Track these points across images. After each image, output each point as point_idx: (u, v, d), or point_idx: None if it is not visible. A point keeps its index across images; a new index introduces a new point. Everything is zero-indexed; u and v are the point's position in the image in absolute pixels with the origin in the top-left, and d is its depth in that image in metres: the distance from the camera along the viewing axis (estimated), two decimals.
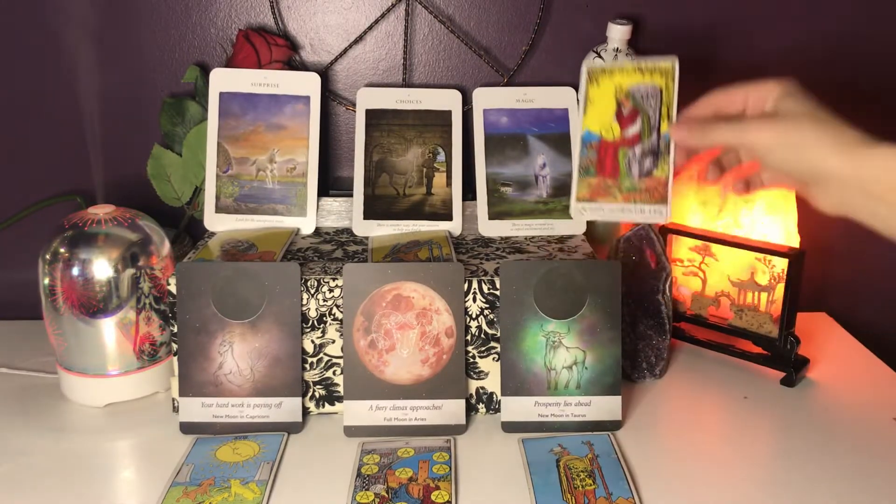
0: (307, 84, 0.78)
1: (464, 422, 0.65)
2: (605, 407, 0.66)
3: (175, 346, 0.65)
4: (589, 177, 0.62)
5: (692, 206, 0.80)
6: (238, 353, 0.64)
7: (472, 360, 0.66)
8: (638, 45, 0.82)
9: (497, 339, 0.66)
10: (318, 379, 0.67)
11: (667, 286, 0.74)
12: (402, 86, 0.84)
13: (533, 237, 0.77)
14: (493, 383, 0.67)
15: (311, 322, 0.65)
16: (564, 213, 0.77)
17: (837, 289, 0.93)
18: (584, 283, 0.66)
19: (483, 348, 0.66)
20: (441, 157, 0.79)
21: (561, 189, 0.78)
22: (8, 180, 0.86)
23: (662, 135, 0.61)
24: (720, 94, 0.58)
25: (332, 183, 0.85)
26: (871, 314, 0.93)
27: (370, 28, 0.83)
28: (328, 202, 0.80)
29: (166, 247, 0.70)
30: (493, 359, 0.66)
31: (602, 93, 0.63)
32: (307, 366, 0.66)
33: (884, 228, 0.50)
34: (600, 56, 0.79)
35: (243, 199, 0.77)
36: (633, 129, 0.62)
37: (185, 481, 0.58)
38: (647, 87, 0.62)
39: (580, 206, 0.62)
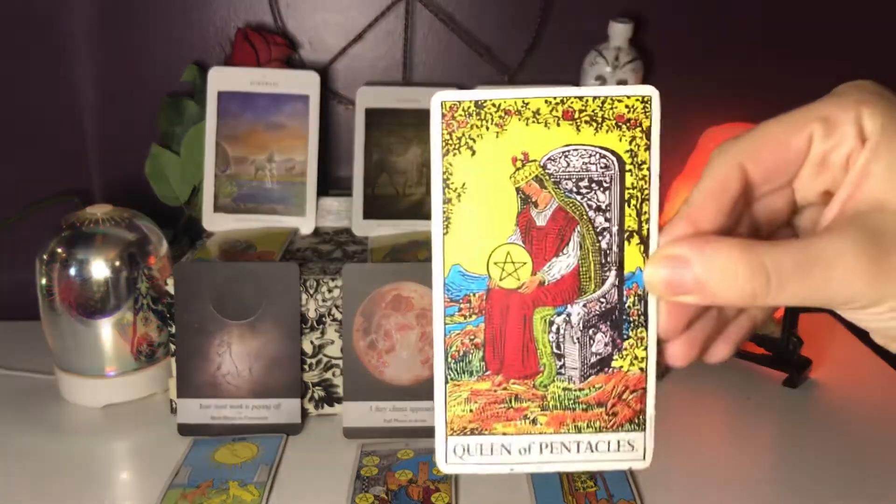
0: (306, 83, 0.77)
1: None
2: None
3: (173, 347, 0.65)
4: (469, 379, 0.31)
5: None
6: (236, 353, 0.64)
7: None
8: (643, 48, 0.82)
9: None
10: (317, 380, 0.66)
11: None
12: (402, 85, 0.84)
13: None
14: None
15: (310, 323, 0.65)
16: None
17: None
18: None
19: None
20: None
21: None
22: (5, 180, 0.86)
23: (629, 276, 0.30)
24: (747, 145, 0.29)
25: (331, 182, 0.84)
26: None
27: (370, 26, 0.83)
28: (327, 202, 0.79)
29: (164, 247, 0.70)
30: None
31: (484, 172, 0.30)
32: (306, 367, 0.66)
33: None
34: (602, 55, 0.78)
35: (242, 198, 0.77)
36: (563, 264, 0.30)
37: (183, 483, 0.57)
38: (586, 158, 0.30)
39: (457, 444, 0.31)
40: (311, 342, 0.65)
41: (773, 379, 0.74)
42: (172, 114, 0.80)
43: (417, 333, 0.64)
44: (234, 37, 0.80)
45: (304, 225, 0.77)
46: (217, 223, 0.77)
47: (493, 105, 0.30)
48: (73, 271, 0.65)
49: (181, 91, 0.83)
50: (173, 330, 0.64)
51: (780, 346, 0.74)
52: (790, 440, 0.65)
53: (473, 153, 0.30)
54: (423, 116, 0.79)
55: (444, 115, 0.31)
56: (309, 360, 0.66)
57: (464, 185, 0.30)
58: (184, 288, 0.64)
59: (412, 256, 0.69)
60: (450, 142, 0.31)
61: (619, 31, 0.78)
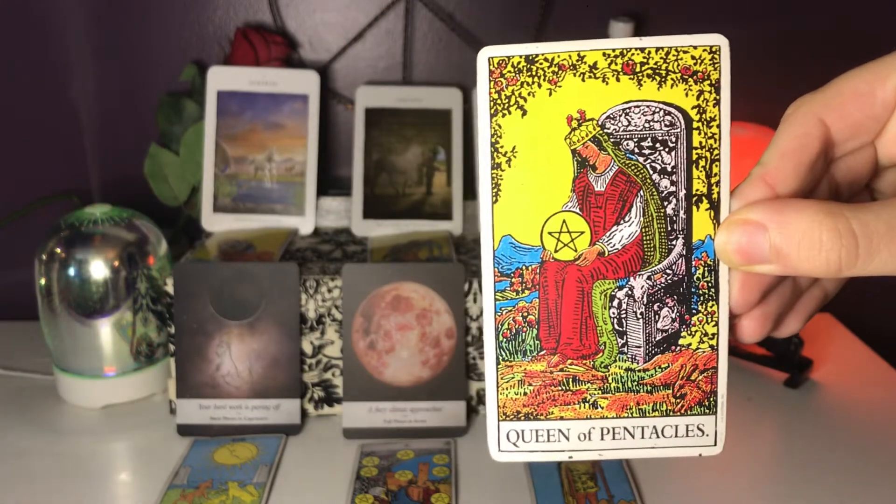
0: (306, 82, 0.77)
1: (464, 423, 0.64)
2: None
3: (172, 348, 0.64)
4: (522, 360, 0.29)
5: None
6: (236, 354, 0.64)
7: (472, 361, 0.66)
8: None
9: None
10: (316, 380, 0.66)
11: None
12: (401, 84, 0.83)
13: None
14: None
15: (309, 323, 0.65)
16: None
17: (841, 289, 0.92)
18: None
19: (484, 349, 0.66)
20: (441, 156, 0.79)
21: None
22: (3, 180, 0.86)
23: (697, 244, 0.28)
24: (828, 99, 0.27)
25: (330, 182, 0.84)
26: (875, 315, 0.93)
27: (370, 26, 0.82)
28: (327, 201, 0.79)
29: (163, 247, 0.69)
30: None
31: (537, 133, 0.28)
32: (306, 367, 0.65)
33: None
34: None
35: (241, 198, 0.77)
36: (624, 233, 0.28)
37: (182, 484, 0.57)
38: (649, 116, 0.27)
39: (510, 430, 0.29)
40: (311, 342, 0.65)
41: (774, 379, 0.74)
42: (171, 113, 0.80)
43: (417, 334, 0.64)
44: (234, 36, 0.79)
45: (304, 225, 0.77)
46: (216, 223, 0.76)
47: (546, 60, 0.27)
48: (71, 271, 0.65)
49: (180, 90, 0.82)
50: (172, 330, 0.64)
51: (781, 347, 0.73)
52: (791, 440, 0.65)
53: (524, 113, 0.28)
54: (423, 116, 0.79)
55: (491, 73, 0.28)
56: (308, 361, 0.65)
57: (514, 148, 0.28)
58: (183, 288, 0.63)
59: (412, 256, 0.69)
60: (498, 101, 0.28)
61: (620, 31, 0.77)
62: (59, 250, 0.66)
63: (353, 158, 0.78)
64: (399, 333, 0.64)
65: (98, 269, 0.65)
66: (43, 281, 0.66)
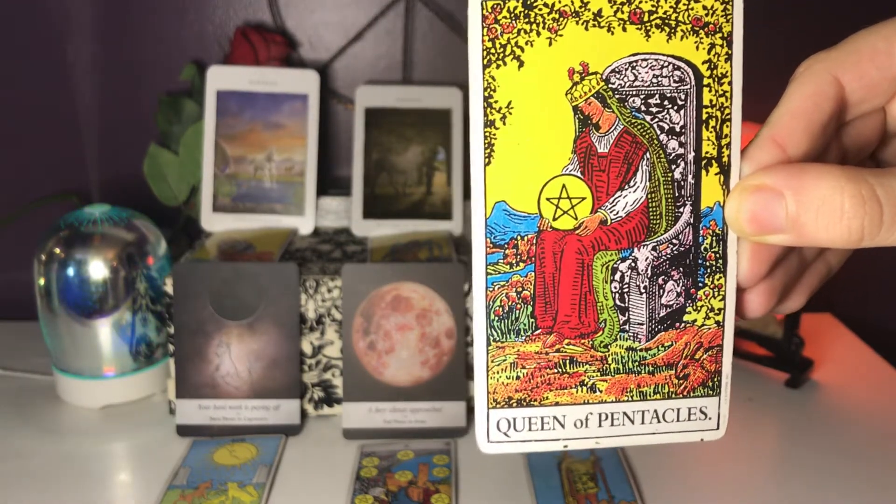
0: (305, 82, 0.77)
1: (464, 424, 0.64)
2: None
3: (171, 348, 0.64)
4: (515, 340, 0.27)
5: None
6: (235, 354, 0.64)
7: (472, 361, 0.66)
8: None
9: None
10: (316, 381, 0.66)
11: None
12: (402, 84, 0.83)
13: None
14: None
15: (309, 323, 0.65)
16: None
17: (843, 289, 0.92)
18: None
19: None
20: (441, 155, 0.78)
21: None
22: (3, 180, 0.86)
23: (706, 212, 0.26)
24: (843, 56, 0.24)
25: (330, 182, 0.84)
26: (876, 315, 0.93)
27: (369, 25, 0.82)
28: (327, 201, 0.79)
29: (163, 247, 0.69)
30: None
31: (534, 87, 0.25)
32: (305, 367, 0.65)
33: None
34: None
35: (241, 198, 0.76)
36: (629, 199, 0.26)
37: (182, 484, 0.57)
38: (657, 70, 0.25)
39: (501, 418, 0.27)
40: (311, 343, 0.65)
41: (775, 379, 0.74)
42: (171, 113, 0.80)
43: (417, 334, 0.64)
44: (233, 35, 0.79)
45: (304, 225, 0.77)
46: (216, 223, 0.76)
47: (546, 5, 0.25)
48: (71, 271, 0.65)
49: (179, 90, 0.82)
50: (172, 330, 0.64)
51: (781, 347, 0.73)
52: (792, 441, 0.65)
53: (521, 65, 0.25)
54: (423, 116, 0.79)
55: (484, 18, 0.25)
56: (308, 361, 0.65)
57: (510, 103, 0.25)
58: (182, 288, 0.63)
59: (412, 256, 0.69)
60: (492, 51, 0.25)
61: None
62: (58, 250, 0.65)
63: (353, 158, 0.78)
64: (399, 334, 0.64)
65: (97, 269, 0.65)
66: (42, 281, 0.66)
